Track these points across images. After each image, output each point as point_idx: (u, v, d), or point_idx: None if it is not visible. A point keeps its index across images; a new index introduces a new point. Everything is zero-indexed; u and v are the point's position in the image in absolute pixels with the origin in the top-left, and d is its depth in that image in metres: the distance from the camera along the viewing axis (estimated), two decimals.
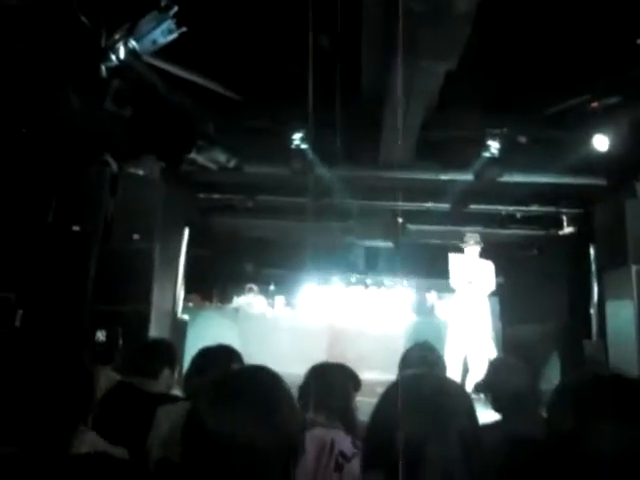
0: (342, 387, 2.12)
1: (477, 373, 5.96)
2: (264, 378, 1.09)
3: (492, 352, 6.21)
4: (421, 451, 1.00)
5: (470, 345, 6.23)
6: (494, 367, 2.50)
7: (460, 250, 6.81)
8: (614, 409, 1.05)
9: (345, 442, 1.86)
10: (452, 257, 6.71)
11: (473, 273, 6.51)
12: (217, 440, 0.97)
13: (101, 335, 4.42)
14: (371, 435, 1.11)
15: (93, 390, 1.45)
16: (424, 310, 8.92)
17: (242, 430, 0.97)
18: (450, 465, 1.02)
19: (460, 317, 6.49)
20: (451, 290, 6.80)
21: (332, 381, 2.14)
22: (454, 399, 1.10)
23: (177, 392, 2.57)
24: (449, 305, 7.28)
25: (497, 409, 2.37)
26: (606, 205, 6.29)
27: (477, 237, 6.72)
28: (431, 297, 9.10)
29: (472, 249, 6.64)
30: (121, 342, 3.14)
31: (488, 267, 6.60)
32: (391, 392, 1.14)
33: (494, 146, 5.81)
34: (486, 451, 1.58)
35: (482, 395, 5.08)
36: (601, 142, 5.52)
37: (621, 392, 1.10)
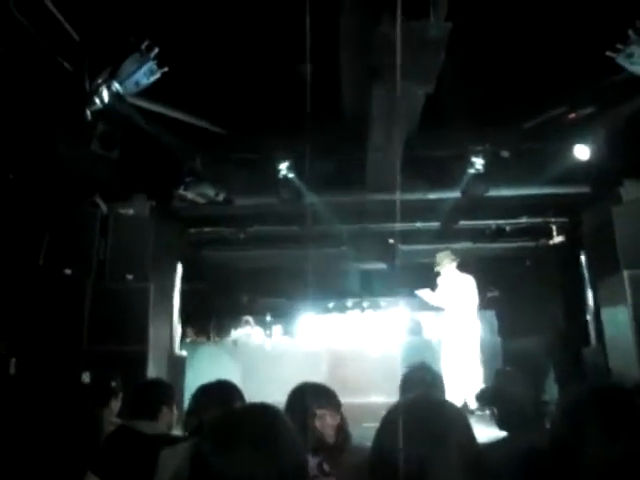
0: (300, 406, 2.10)
1: (472, 389, 5.96)
2: (267, 416, 1.10)
3: (479, 367, 6.23)
4: (424, 474, 1.00)
5: (462, 361, 6.23)
6: (499, 381, 2.49)
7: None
8: (613, 420, 1.06)
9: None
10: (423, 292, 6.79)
11: (455, 290, 6.55)
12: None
13: (87, 378, 4.39)
14: (374, 459, 1.11)
15: (100, 436, 1.45)
16: (417, 330, 8.87)
17: (247, 470, 0.98)
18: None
19: (450, 334, 6.52)
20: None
21: (291, 400, 2.19)
22: (453, 421, 1.11)
23: (177, 431, 2.54)
24: (437, 324, 7.26)
25: (502, 424, 2.36)
26: (593, 212, 6.37)
27: (449, 254, 6.78)
28: (421, 317, 9.02)
29: (448, 267, 6.69)
30: (114, 384, 3.09)
31: (469, 281, 6.64)
32: (391, 417, 1.14)
33: (478, 162, 5.89)
34: (497, 468, 1.58)
35: (487, 411, 5.07)
36: (582, 151, 5.62)
37: (620, 403, 1.11)
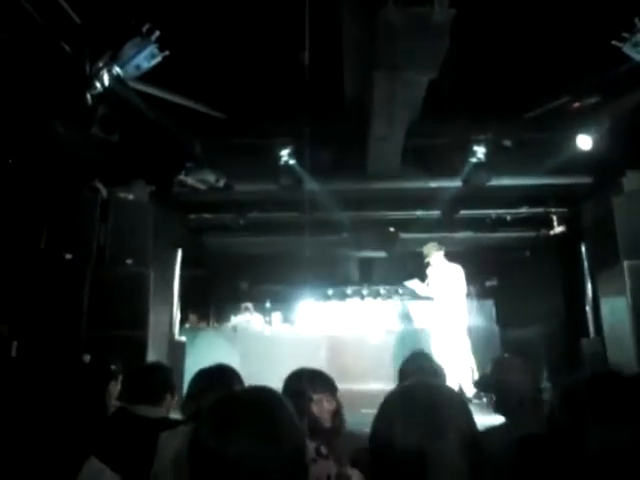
0: (297, 391, 2.13)
1: (463, 376, 5.99)
2: (266, 398, 1.10)
3: (469, 355, 6.26)
4: (423, 460, 1.01)
5: (452, 349, 6.25)
6: (499, 367, 2.49)
7: (452, 255, 6.86)
8: (613, 407, 1.07)
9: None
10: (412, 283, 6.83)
11: (444, 279, 6.56)
12: (224, 463, 0.98)
13: (87, 360, 4.41)
14: (373, 445, 1.12)
15: (104, 419, 1.46)
16: (410, 319, 8.87)
17: (248, 451, 0.98)
18: (453, 471, 1.03)
19: (439, 323, 6.56)
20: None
21: (288, 385, 2.22)
22: (452, 406, 1.11)
23: (176, 415, 2.55)
24: (427, 312, 7.28)
25: (502, 410, 2.37)
26: (594, 203, 6.36)
27: (435, 244, 6.77)
28: (415, 305, 9.00)
29: (436, 256, 6.68)
30: (114, 367, 3.10)
31: (457, 270, 6.63)
32: (390, 404, 1.15)
33: (480, 151, 5.87)
34: (495, 454, 1.58)
35: (484, 399, 5.09)
36: (584, 141, 5.59)
37: (620, 390, 1.11)
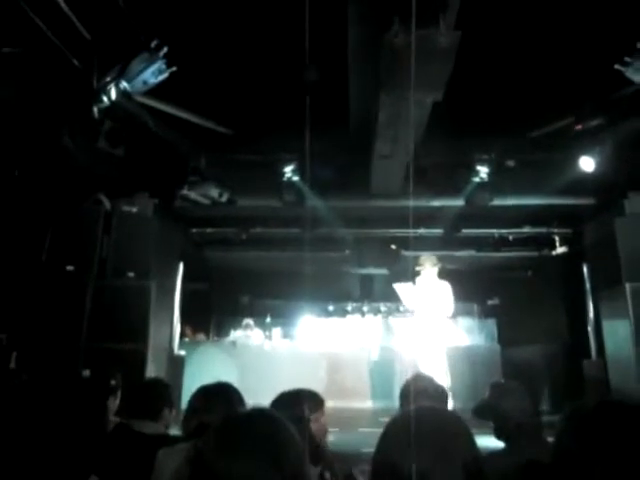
0: (293, 416, 2.09)
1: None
2: (269, 422, 1.10)
3: (444, 374, 6.01)
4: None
5: (427, 367, 5.98)
6: (496, 393, 2.48)
7: (454, 274, 6.82)
8: (623, 436, 1.06)
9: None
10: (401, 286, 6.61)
11: (430, 295, 6.37)
12: None
13: (87, 374, 4.38)
14: (376, 469, 1.11)
15: (104, 435, 1.45)
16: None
17: (251, 474, 0.98)
18: None
19: (418, 338, 6.33)
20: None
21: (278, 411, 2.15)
22: (456, 432, 1.11)
23: (175, 431, 2.54)
24: (406, 329, 7.06)
25: (500, 435, 2.36)
26: (596, 224, 6.37)
27: (434, 259, 6.58)
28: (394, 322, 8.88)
29: (429, 271, 6.48)
30: (113, 382, 3.10)
31: (445, 289, 6.43)
32: (394, 427, 1.14)
33: (483, 171, 5.90)
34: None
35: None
36: (587, 163, 5.62)
37: (629, 420, 1.11)
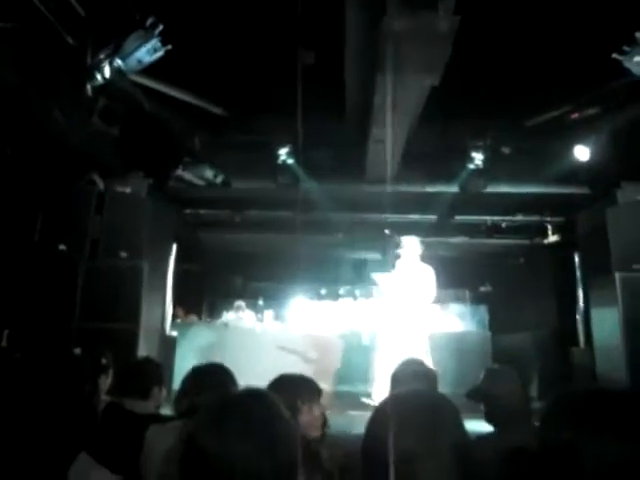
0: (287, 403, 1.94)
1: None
2: (262, 402, 1.11)
3: (427, 359, 5.52)
4: (415, 467, 1.02)
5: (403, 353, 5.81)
6: (489, 378, 2.50)
7: (442, 260, 6.78)
8: (610, 423, 1.08)
9: None
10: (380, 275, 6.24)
11: (412, 280, 6.03)
12: (218, 465, 0.99)
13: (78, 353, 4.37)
14: (366, 452, 1.13)
15: (95, 414, 1.46)
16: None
17: (243, 455, 0.99)
18: (443, 478, 1.04)
19: (392, 325, 6.02)
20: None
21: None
22: (445, 415, 1.12)
23: (167, 412, 2.56)
24: (381, 313, 6.61)
25: (491, 420, 2.39)
26: (589, 213, 6.39)
27: (416, 242, 6.14)
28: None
29: (411, 255, 6.09)
30: (104, 360, 3.11)
31: (428, 273, 6.05)
32: (383, 409, 1.16)
33: (478, 158, 5.89)
34: (482, 463, 1.60)
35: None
36: (582, 152, 5.63)
37: (617, 406, 1.12)
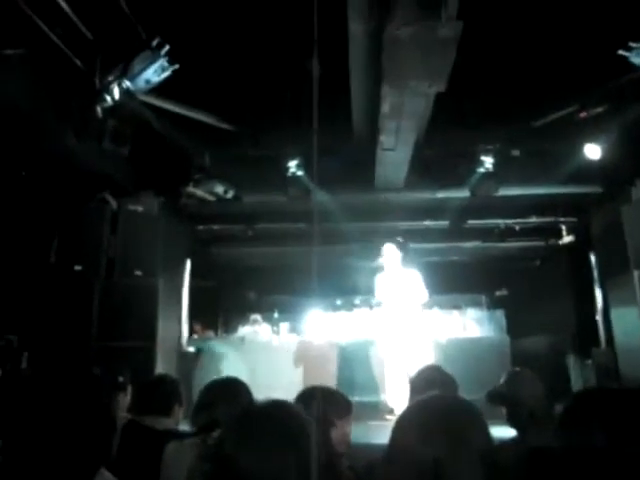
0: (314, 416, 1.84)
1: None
2: (289, 413, 1.12)
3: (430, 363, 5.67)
4: (440, 474, 1.00)
5: (406, 359, 5.71)
6: (511, 380, 2.47)
7: (457, 265, 6.76)
8: (628, 423, 1.06)
9: None
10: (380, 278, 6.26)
11: (399, 286, 6.05)
12: (247, 475, 0.99)
13: (96, 372, 4.39)
14: (392, 458, 1.12)
15: (113, 432, 1.47)
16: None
17: (271, 465, 0.99)
18: None
19: (389, 332, 6.07)
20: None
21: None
22: (472, 420, 1.11)
23: (184, 427, 2.56)
24: (376, 321, 6.66)
25: (513, 423, 2.36)
26: (603, 212, 6.33)
27: (393, 248, 6.19)
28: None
29: (392, 261, 6.15)
30: (121, 379, 3.12)
31: (414, 276, 6.08)
32: (409, 416, 1.15)
33: (488, 161, 5.86)
34: (505, 469, 1.58)
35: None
36: (593, 151, 5.58)
37: (630, 406, 1.10)
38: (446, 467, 1.01)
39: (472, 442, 1.05)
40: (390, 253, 6.19)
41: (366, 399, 6.92)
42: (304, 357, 7.49)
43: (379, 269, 6.42)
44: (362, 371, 7.33)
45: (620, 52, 4.21)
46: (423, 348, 5.84)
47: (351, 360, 7.56)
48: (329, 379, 6.77)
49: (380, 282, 6.23)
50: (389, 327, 6.11)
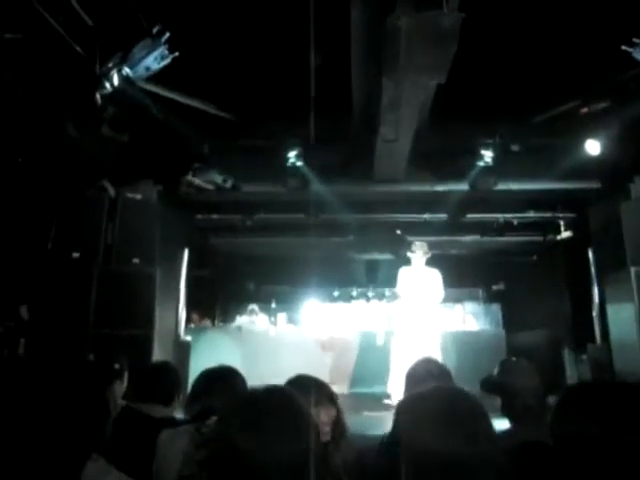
0: None
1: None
2: (289, 398, 1.13)
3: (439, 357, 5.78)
4: (461, 463, 1.01)
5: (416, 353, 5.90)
6: (505, 370, 2.47)
7: (455, 259, 6.78)
8: (621, 416, 1.07)
9: None
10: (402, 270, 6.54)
11: (420, 282, 6.34)
12: (250, 460, 1.01)
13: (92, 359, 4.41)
14: (391, 451, 1.12)
15: (109, 417, 1.47)
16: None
17: (274, 450, 1.00)
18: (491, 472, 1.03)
19: (406, 326, 6.27)
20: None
21: None
22: (480, 413, 1.12)
23: (179, 415, 2.56)
24: (395, 315, 6.90)
25: (507, 413, 2.36)
26: (601, 208, 6.33)
27: (425, 246, 6.51)
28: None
29: (419, 258, 6.44)
30: (117, 365, 3.12)
31: (435, 276, 6.42)
32: (409, 408, 1.15)
33: (488, 155, 5.86)
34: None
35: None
36: (593, 146, 5.58)
37: (624, 398, 1.11)
38: (462, 457, 1.01)
39: (484, 436, 1.06)
40: (420, 249, 6.45)
41: (362, 390, 6.98)
42: (299, 348, 7.53)
43: (399, 263, 6.64)
44: (359, 362, 7.38)
45: (624, 48, 4.19)
46: (433, 343, 6.06)
47: (347, 352, 7.60)
48: (324, 370, 6.80)
49: (403, 276, 6.46)
50: (406, 320, 6.31)
